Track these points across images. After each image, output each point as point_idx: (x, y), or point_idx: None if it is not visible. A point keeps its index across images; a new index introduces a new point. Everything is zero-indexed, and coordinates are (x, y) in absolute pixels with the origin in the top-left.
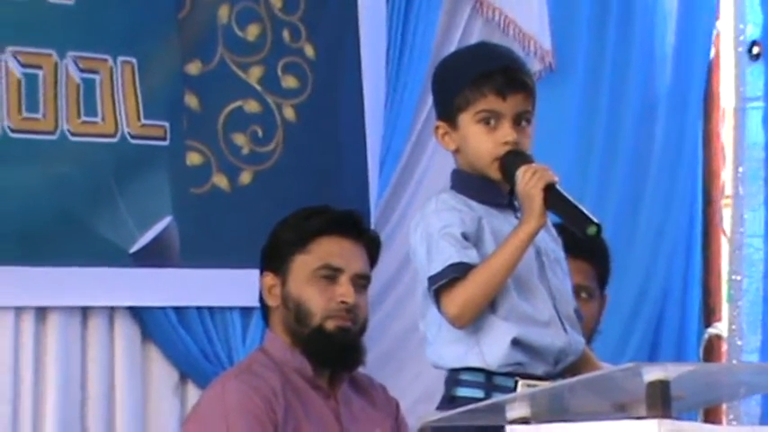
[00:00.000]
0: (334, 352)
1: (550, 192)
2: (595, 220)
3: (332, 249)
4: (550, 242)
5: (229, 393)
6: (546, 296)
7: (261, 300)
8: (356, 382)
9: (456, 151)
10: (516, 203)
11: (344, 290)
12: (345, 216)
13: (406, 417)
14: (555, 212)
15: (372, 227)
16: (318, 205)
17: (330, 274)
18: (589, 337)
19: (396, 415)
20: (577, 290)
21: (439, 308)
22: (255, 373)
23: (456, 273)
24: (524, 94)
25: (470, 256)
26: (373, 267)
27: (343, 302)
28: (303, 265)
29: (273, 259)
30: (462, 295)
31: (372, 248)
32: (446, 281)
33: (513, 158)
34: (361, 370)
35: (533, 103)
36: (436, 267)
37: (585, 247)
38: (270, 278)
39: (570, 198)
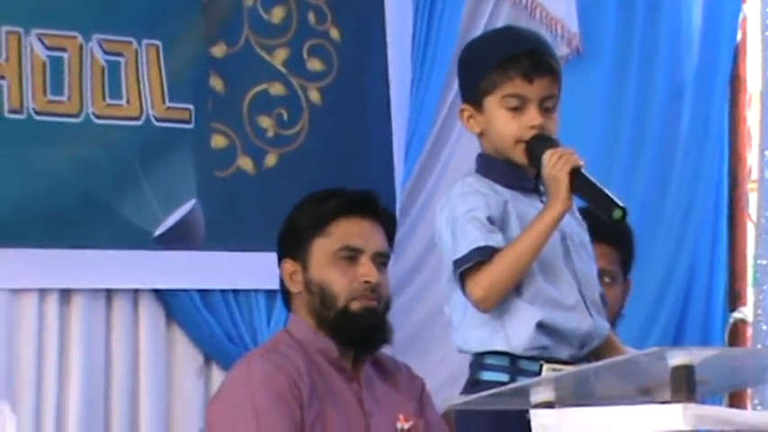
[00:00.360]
0: (362, 332)
1: (576, 175)
2: (621, 204)
3: (350, 230)
4: (576, 226)
5: (254, 372)
6: (571, 280)
7: (282, 286)
8: (380, 364)
9: (481, 134)
10: (542, 188)
11: (366, 269)
12: (361, 196)
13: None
14: (581, 196)
15: (398, 210)
16: (332, 188)
17: (351, 255)
18: (613, 321)
19: (420, 395)
20: (601, 274)
21: (464, 291)
22: (281, 353)
23: (481, 256)
24: (551, 78)
25: (496, 239)
26: (391, 245)
27: (366, 282)
28: (323, 248)
29: (292, 245)
30: (487, 279)
31: (389, 226)
32: (471, 264)
33: (539, 142)
34: (386, 352)
35: (559, 87)
36: (461, 251)
37: (609, 232)
38: (290, 264)
39: (596, 182)
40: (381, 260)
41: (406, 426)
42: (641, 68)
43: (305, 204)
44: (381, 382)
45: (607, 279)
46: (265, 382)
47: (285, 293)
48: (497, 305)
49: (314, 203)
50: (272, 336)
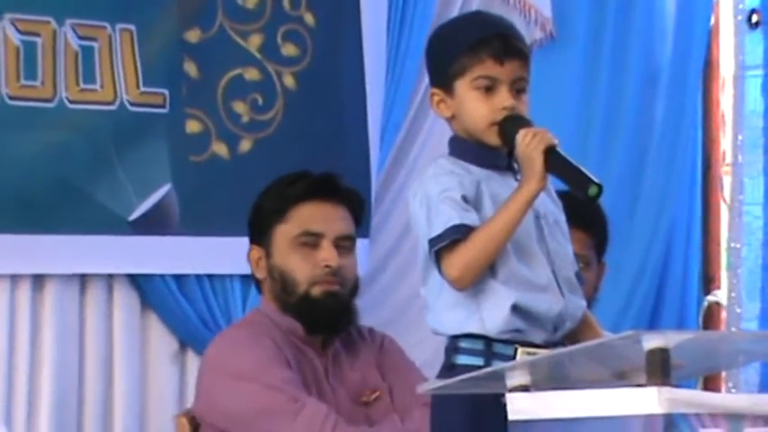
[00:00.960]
0: (324, 317)
1: (551, 154)
2: (597, 181)
3: (310, 215)
4: (550, 205)
5: (237, 338)
6: (544, 261)
7: (253, 272)
8: (345, 337)
9: (452, 118)
10: (516, 166)
11: (327, 254)
12: (321, 180)
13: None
14: (556, 175)
15: (373, 196)
16: (297, 172)
17: (311, 241)
18: (588, 305)
19: (379, 351)
20: (575, 259)
21: (440, 270)
22: (256, 325)
23: (457, 234)
24: (521, 61)
25: (471, 218)
26: (359, 226)
27: (327, 266)
28: (284, 234)
29: (257, 231)
30: (464, 257)
31: (354, 207)
32: (447, 242)
33: (513, 122)
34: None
35: (529, 71)
36: (437, 230)
37: (582, 216)
38: (256, 251)
39: (571, 160)
40: (345, 243)
41: (372, 397)
42: (614, 53)
43: (270, 190)
44: (347, 355)
45: (581, 264)
46: (251, 340)
47: (256, 279)
48: (473, 284)
49: (276, 189)
50: (245, 315)
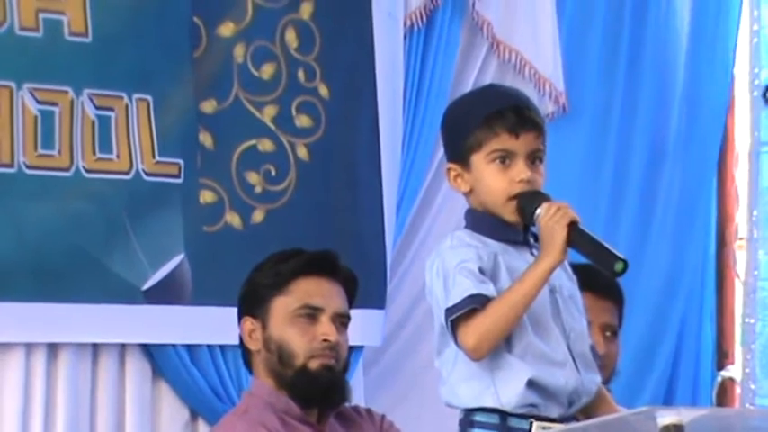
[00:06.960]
0: (321, 391)
1: (574, 229)
2: (621, 256)
3: (311, 289)
4: (566, 280)
5: (237, 430)
6: (560, 335)
7: (241, 344)
8: (342, 415)
9: (469, 193)
10: (531, 240)
11: (326, 328)
12: (322, 256)
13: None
14: (578, 250)
15: (389, 266)
16: (290, 249)
17: (311, 314)
18: (609, 377)
19: (380, 428)
20: (604, 329)
21: (456, 339)
22: (254, 413)
23: (474, 303)
24: (536, 133)
25: (488, 289)
26: (351, 306)
27: (325, 341)
28: (283, 306)
29: (252, 304)
30: (481, 326)
31: (350, 287)
32: (464, 311)
33: (532, 196)
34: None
35: (544, 142)
36: (454, 299)
37: (608, 286)
38: (249, 323)
39: (594, 235)
40: (341, 320)
41: None
42: (623, 126)
43: (266, 264)
44: (346, 429)
45: (609, 333)
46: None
47: (245, 352)
48: (489, 355)
49: (275, 263)
50: (241, 399)
